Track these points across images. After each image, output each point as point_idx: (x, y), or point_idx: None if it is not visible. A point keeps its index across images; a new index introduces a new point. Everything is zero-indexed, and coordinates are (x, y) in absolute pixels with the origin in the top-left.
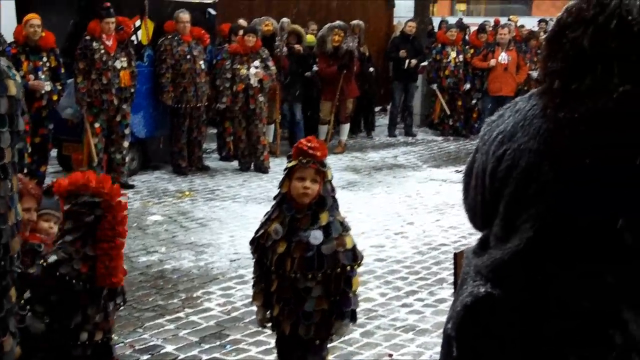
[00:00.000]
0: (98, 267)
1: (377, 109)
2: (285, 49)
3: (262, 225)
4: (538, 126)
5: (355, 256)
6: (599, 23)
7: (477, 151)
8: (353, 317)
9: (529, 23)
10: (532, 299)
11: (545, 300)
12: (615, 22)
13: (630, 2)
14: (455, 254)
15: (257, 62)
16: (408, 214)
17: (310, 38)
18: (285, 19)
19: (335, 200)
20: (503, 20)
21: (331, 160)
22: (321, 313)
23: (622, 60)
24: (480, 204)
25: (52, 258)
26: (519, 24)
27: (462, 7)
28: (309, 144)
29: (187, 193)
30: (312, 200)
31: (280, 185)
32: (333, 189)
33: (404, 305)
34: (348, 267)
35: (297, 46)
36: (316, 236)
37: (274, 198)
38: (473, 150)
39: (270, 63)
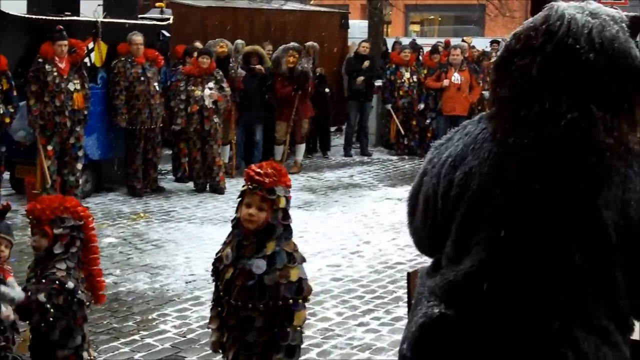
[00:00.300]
0: (96, 286)
1: (332, 128)
2: (240, 70)
3: (221, 248)
4: (488, 150)
5: (300, 289)
6: (547, 52)
7: (424, 174)
8: (289, 353)
9: (482, 44)
10: (485, 320)
11: (498, 322)
12: (563, 51)
13: (578, 30)
14: (408, 274)
15: (211, 84)
16: (364, 233)
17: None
18: (239, 41)
19: (286, 229)
20: (456, 40)
21: None
22: (262, 345)
23: (569, 88)
24: (429, 227)
25: (70, 284)
26: (472, 44)
27: (415, 28)
28: (258, 170)
29: (141, 215)
30: (259, 227)
31: (236, 209)
32: (286, 217)
33: (361, 324)
34: (290, 300)
35: (259, 66)
36: (259, 265)
37: (231, 221)
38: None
39: (225, 84)
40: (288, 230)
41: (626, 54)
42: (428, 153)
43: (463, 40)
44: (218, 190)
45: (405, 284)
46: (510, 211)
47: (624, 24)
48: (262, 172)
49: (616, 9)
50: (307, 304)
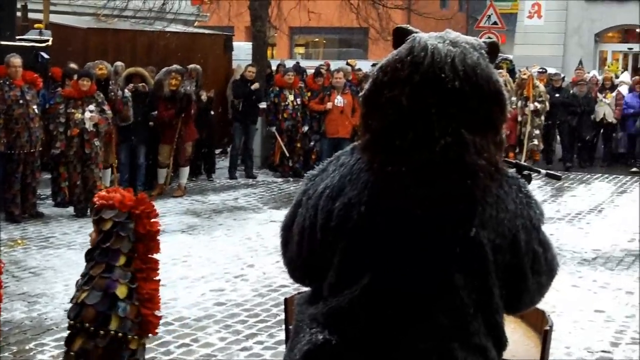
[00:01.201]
0: None
1: (217, 151)
2: (120, 92)
3: None
4: (365, 180)
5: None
6: (414, 82)
7: (298, 206)
8: None
9: (366, 66)
10: (369, 344)
11: (382, 345)
12: (430, 80)
13: (442, 60)
14: (286, 299)
15: (92, 106)
16: (248, 257)
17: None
18: (119, 63)
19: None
20: (341, 63)
21: (171, 204)
22: None
23: (440, 115)
24: (304, 258)
25: None
26: (356, 67)
27: (300, 50)
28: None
29: (19, 241)
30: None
31: None
32: (105, 239)
33: (244, 349)
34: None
35: (142, 84)
36: None
37: None
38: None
39: (106, 107)
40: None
41: (488, 78)
42: (301, 184)
43: (348, 64)
44: None
45: None
46: (392, 237)
47: (483, 51)
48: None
49: (495, 34)
50: (189, 330)
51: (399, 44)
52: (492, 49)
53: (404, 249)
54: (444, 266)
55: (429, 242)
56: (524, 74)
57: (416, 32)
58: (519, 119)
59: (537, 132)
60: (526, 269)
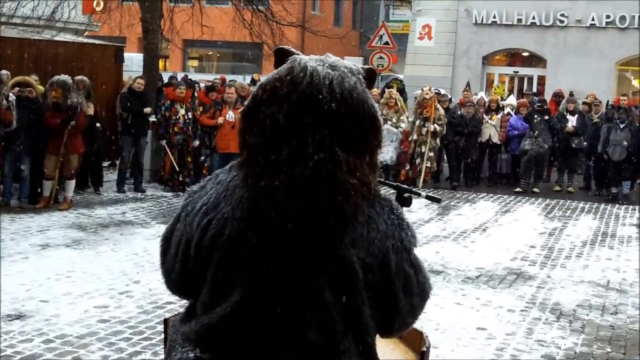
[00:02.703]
0: None
1: (105, 164)
2: (5, 102)
3: None
4: (240, 195)
5: None
6: (292, 100)
7: (178, 220)
8: None
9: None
10: None
11: None
12: (307, 100)
13: (320, 82)
14: (165, 319)
15: None
16: (134, 273)
17: (40, 89)
18: (4, 71)
19: None
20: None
21: (56, 217)
22: None
23: (315, 132)
24: (179, 272)
25: None
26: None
27: (194, 63)
28: None
29: None
30: None
31: None
32: None
33: None
34: None
35: (29, 89)
36: None
37: None
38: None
39: None
40: None
41: (364, 102)
42: (182, 199)
43: (252, 79)
44: None
45: None
46: (264, 252)
47: (360, 76)
48: None
49: (386, 54)
50: (71, 347)
51: (280, 63)
52: (370, 75)
53: (275, 264)
54: (314, 282)
55: (299, 257)
56: (427, 94)
57: (297, 54)
58: (414, 137)
59: (431, 154)
60: (397, 290)
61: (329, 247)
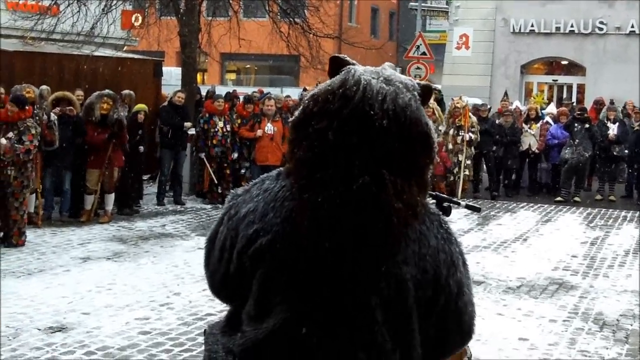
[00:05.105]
0: None
1: (145, 177)
2: (45, 117)
3: None
4: (290, 209)
5: None
6: (343, 117)
7: (221, 223)
8: None
9: (296, 93)
10: None
11: None
12: (358, 116)
13: (373, 97)
14: (205, 330)
15: (11, 134)
16: (174, 285)
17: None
18: (44, 87)
19: None
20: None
21: (97, 230)
22: None
23: (362, 153)
24: (222, 275)
25: None
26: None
27: (232, 76)
28: None
29: None
30: None
31: None
32: None
33: None
34: None
35: (70, 107)
36: None
37: None
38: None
39: (27, 137)
40: None
41: (417, 121)
42: (226, 201)
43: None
44: (11, 245)
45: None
46: (311, 269)
47: (415, 92)
48: None
49: (424, 64)
50: (113, 359)
51: (334, 73)
52: (426, 92)
53: (325, 283)
54: (366, 302)
55: (350, 276)
56: (458, 103)
57: (353, 64)
58: (450, 147)
59: (468, 162)
60: (449, 304)
61: (379, 266)
